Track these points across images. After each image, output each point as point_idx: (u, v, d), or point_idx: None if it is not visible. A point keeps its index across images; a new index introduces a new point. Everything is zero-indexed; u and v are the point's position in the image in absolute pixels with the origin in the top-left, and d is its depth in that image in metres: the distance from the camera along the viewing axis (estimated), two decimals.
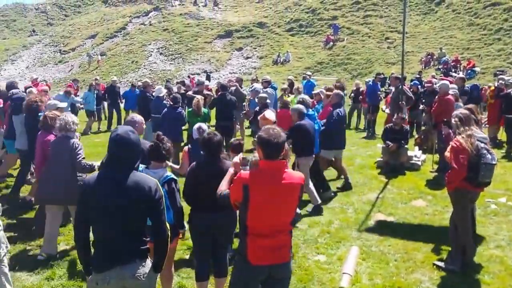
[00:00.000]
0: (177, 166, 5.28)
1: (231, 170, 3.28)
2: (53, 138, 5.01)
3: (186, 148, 5.26)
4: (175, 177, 3.69)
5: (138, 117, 4.74)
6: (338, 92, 7.39)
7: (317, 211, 6.28)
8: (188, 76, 24.51)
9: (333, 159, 7.39)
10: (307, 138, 6.16)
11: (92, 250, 2.75)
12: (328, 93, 8.09)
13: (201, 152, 3.98)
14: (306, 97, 7.07)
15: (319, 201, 6.36)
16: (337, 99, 7.21)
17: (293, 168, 5.93)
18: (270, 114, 5.84)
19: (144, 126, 5.16)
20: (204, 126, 5.28)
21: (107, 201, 2.58)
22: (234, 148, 4.54)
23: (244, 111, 11.07)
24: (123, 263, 2.62)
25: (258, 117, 6.12)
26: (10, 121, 6.83)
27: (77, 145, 4.72)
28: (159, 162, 3.70)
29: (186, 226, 3.93)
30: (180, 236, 3.85)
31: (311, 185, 6.36)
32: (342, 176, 7.51)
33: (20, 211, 6.22)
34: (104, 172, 2.71)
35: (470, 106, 5.41)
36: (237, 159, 3.34)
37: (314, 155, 6.43)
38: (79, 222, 2.75)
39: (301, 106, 6.31)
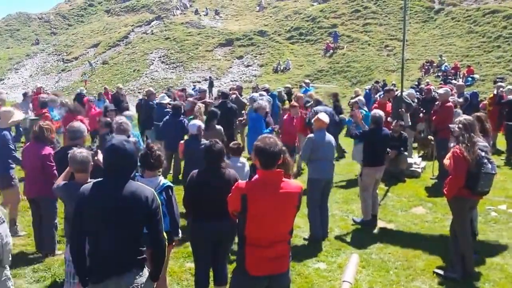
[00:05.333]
0: None
1: None
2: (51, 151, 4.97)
3: (182, 142, 5.67)
4: (171, 184, 3.70)
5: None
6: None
7: (368, 223, 6.06)
8: (170, 88, 23.96)
9: None
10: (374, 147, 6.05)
11: (88, 261, 2.72)
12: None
13: (197, 147, 4.05)
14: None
15: (368, 218, 6.08)
16: None
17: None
18: (324, 116, 5.79)
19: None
20: (203, 125, 5.53)
21: (103, 211, 2.58)
22: (234, 152, 4.87)
23: (241, 118, 11.12)
24: (120, 273, 2.62)
25: (313, 120, 6.04)
26: None
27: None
28: (151, 171, 3.71)
29: (180, 233, 3.93)
30: (174, 243, 3.84)
31: (371, 197, 6.11)
32: None
33: None
34: (100, 182, 2.70)
35: (479, 114, 5.40)
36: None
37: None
38: (74, 232, 2.72)
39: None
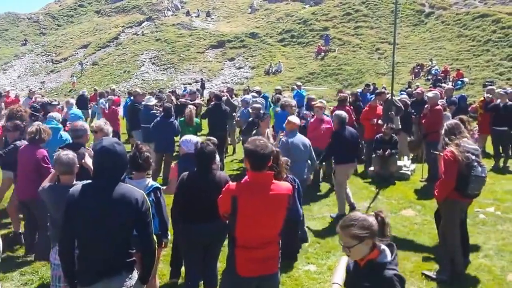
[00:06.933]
0: (164, 187, 4.41)
1: None
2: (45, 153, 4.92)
3: (173, 164, 4.65)
4: (159, 186, 3.68)
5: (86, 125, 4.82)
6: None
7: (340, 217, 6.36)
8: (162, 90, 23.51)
9: None
10: (346, 146, 6.40)
11: (77, 264, 2.69)
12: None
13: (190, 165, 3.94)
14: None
15: (343, 212, 6.35)
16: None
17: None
18: (295, 118, 6.05)
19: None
20: (194, 139, 4.63)
21: (93, 214, 2.56)
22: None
23: (236, 120, 11.14)
24: (110, 275, 2.60)
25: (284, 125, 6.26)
26: None
27: None
28: (140, 172, 3.69)
29: (170, 236, 3.90)
30: (163, 245, 3.82)
31: (347, 191, 6.58)
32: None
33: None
34: (90, 185, 2.69)
35: (462, 116, 5.45)
36: None
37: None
38: (63, 236, 2.70)
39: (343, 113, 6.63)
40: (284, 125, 6.24)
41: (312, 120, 8.06)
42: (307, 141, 5.93)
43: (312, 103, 9.27)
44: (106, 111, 11.10)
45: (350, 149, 6.51)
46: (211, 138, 4.80)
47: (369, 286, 2.26)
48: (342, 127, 6.52)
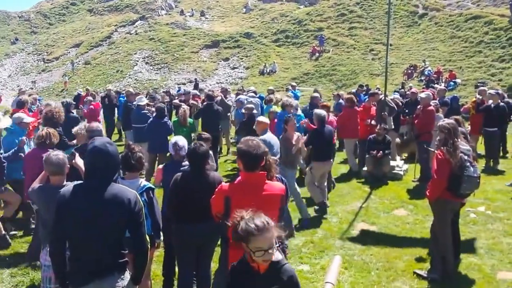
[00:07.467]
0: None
1: None
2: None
3: (160, 167, 4.56)
4: (152, 186, 3.68)
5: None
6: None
7: (321, 209, 6.64)
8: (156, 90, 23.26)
9: None
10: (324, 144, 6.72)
11: (68, 265, 2.68)
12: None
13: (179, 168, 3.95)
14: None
15: (320, 200, 6.70)
16: None
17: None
18: (263, 118, 6.38)
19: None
20: (180, 142, 4.49)
21: (85, 214, 2.54)
22: (204, 141, 4.71)
23: (231, 120, 11.17)
24: (102, 276, 2.59)
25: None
26: None
27: None
28: (132, 172, 3.68)
29: (162, 236, 3.91)
30: (156, 246, 3.82)
31: (320, 189, 6.82)
32: None
33: None
34: (81, 185, 2.67)
35: (457, 117, 5.49)
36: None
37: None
38: (54, 237, 2.68)
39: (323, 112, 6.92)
40: (254, 126, 6.70)
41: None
42: (276, 139, 6.24)
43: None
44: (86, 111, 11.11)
45: (329, 147, 6.93)
46: (204, 133, 4.89)
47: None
48: (322, 126, 6.78)
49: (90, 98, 12.50)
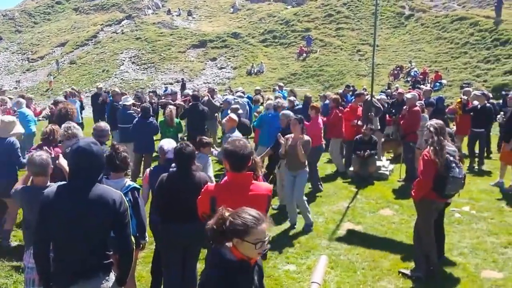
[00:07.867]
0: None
1: None
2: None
3: (147, 170, 4.51)
4: (137, 186, 3.65)
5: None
6: None
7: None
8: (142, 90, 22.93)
9: None
10: None
11: (52, 266, 2.65)
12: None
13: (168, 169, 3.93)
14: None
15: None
16: None
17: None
18: (234, 115, 6.64)
19: (111, 136, 5.17)
20: (165, 146, 4.43)
21: (69, 215, 2.52)
22: (204, 146, 5.29)
23: (218, 120, 11.13)
24: (86, 277, 2.57)
25: (224, 120, 6.91)
26: None
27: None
28: (117, 173, 3.65)
29: (147, 237, 3.87)
30: (141, 247, 3.79)
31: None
32: None
33: None
34: (65, 186, 2.64)
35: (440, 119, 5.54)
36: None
37: None
38: (38, 238, 2.65)
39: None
40: (223, 121, 6.98)
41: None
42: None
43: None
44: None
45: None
46: (205, 137, 5.31)
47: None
48: (287, 128, 6.69)
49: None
